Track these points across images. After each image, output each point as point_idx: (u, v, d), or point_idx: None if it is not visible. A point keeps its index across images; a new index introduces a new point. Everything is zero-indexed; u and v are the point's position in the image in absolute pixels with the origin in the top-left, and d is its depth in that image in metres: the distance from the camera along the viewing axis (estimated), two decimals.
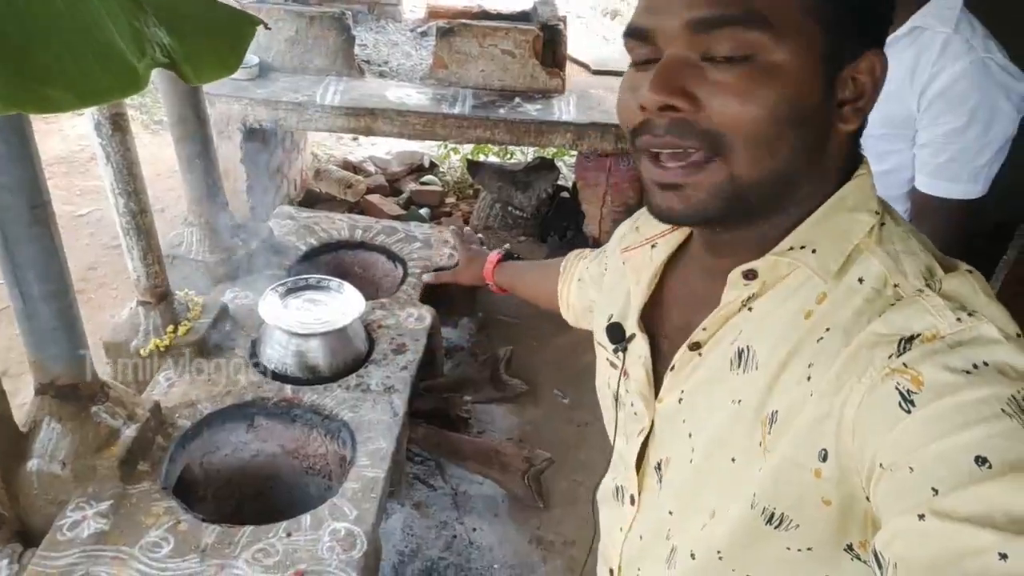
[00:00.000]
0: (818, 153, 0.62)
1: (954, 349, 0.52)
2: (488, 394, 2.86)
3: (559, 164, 3.96)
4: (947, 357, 0.52)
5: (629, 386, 0.79)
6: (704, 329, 0.69)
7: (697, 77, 0.58)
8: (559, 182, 3.71)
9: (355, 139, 4.75)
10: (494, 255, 1.38)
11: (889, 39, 1.66)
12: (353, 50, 3.34)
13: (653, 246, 0.81)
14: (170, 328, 2.29)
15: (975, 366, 0.51)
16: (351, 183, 3.92)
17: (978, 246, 3.14)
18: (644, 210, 0.89)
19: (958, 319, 0.54)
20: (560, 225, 3.54)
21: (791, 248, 0.63)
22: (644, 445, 0.78)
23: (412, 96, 3.25)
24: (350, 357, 2.37)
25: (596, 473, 0.94)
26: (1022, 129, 1.45)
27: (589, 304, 1.08)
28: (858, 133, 0.65)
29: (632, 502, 0.81)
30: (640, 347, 0.78)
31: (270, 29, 0.92)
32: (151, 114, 4.51)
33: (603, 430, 0.94)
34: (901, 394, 0.51)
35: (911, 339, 0.54)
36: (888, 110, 1.44)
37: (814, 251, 0.62)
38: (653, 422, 0.77)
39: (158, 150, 4.12)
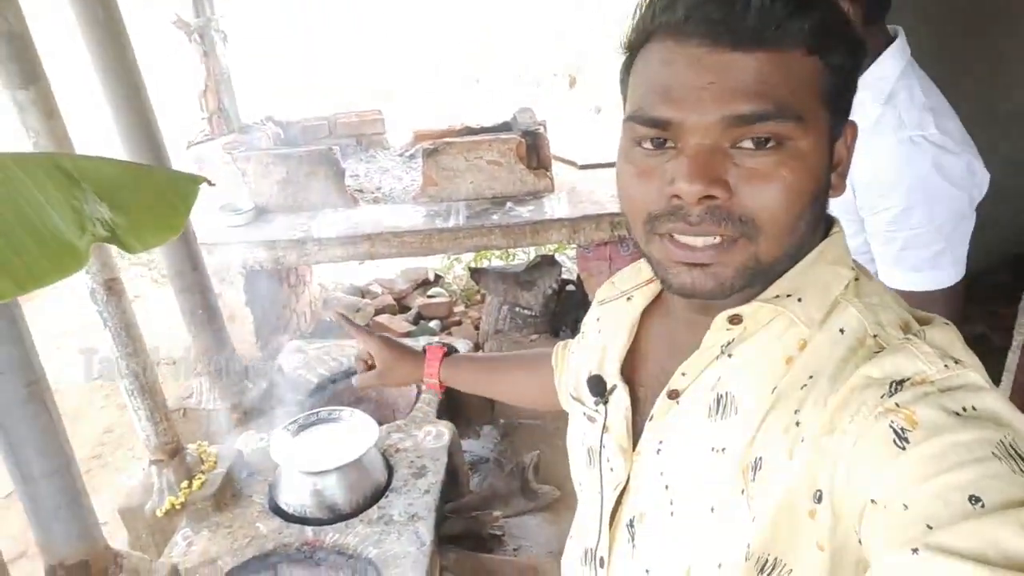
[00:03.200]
0: (819, 221, 0.65)
1: (944, 393, 0.53)
2: (519, 506, 2.74)
3: (561, 259, 3.97)
4: (939, 399, 0.53)
5: (608, 440, 0.77)
6: (683, 374, 0.69)
7: (728, 164, 0.58)
8: (563, 276, 3.70)
9: (361, 263, 4.82)
10: (436, 349, 1.18)
11: None
12: (344, 182, 3.43)
13: (629, 298, 0.81)
14: (184, 484, 2.25)
15: (964, 409, 0.52)
16: (359, 307, 3.94)
17: (1001, 281, 3.05)
18: (620, 271, 0.91)
19: (946, 365, 0.56)
20: (570, 318, 3.51)
21: (777, 296, 0.64)
22: (617, 502, 0.76)
23: (406, 216, 3.30)
24: (369, 489, 2.29)
25: None
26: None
27: None
28: None
29: (602, 564, 0.77)
30: (621, 398, 0.77)
31: (213, 185, 0.91)
32: (158, 269, 4.62)
33: None
34: (895, 432, 0.52)
35: (902, 382, 0.55)
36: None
37: (800, 300, 0.63)
38: (628, 476, 0.75)
39: (168, 304, 4.18)
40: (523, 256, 4.22)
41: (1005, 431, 0.50)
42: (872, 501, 0.52)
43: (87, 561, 1.74)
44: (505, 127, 3.65)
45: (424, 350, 1.19)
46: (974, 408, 0.52)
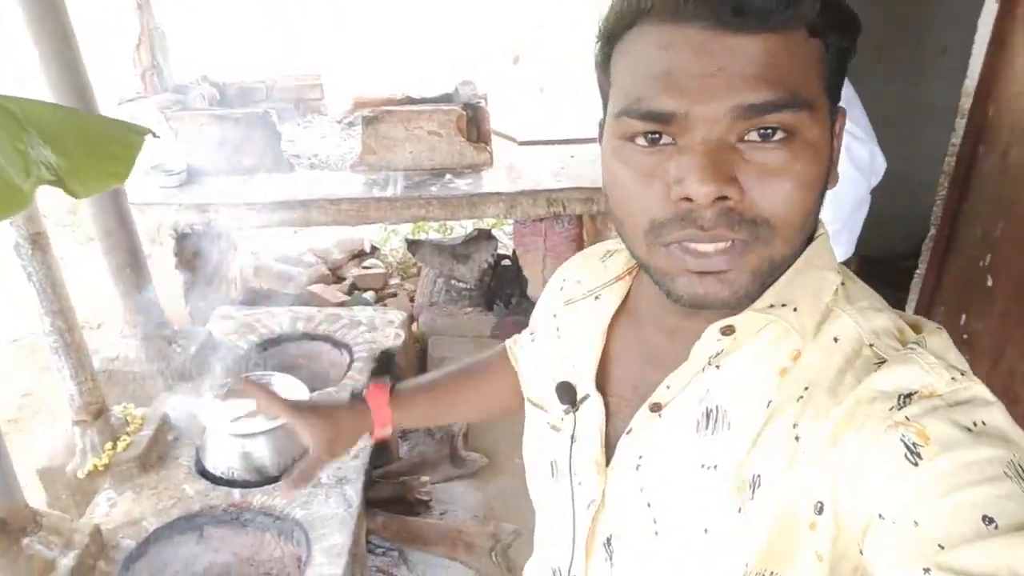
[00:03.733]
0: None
1: (954, 407, 0.52)
2: (447, 472, 2.81)
3: (497, 234, 4.02)
4: (949, 413, 0.52)
5: (578, 453, 0.72)
6: (668, 387, 0.65)
7: (736, 159, 0.54)
8: (499, 251, 3.76)
9: (295, 231, 4.76)
10: (377, 393, 0.97)
11: None
12: (280, 146, 3.39)
13: (597, 298, 0.76)
14: (108, 445, 2.22)
15: (975, 424, 0.51)
16: (291, 276, 3.91)
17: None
18: (575, 262, 0.85)
19: (953, 378, 0.54)
20: (504, 292, 3.57)
21: (771, 305, 0.61)
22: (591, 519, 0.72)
23: (344, 184, 3.29)
24: (298, 452, 2.31)
25: None
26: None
27: None
28: None
29: None
30: (594, 408, 0.71)
31: (158, 137, 0.93)
32: (83, 231, 4.46)
33: None
34: (907, 446, 0.51)
35: (910, 395, 0.53)
36: None
37: (795, 309, 0.60)
38: (603, 493, 0.70)
39: (94, 266, 4.06)
40: (460, 230, 4.25)
41: (1014, 450, 0.50)
42: (880, 516, 0.51)
43: (4, 519, 1.72)
44: (446, 99, 3.66)
45: (362, 398, 0.98)
46: (984, 423, 0.51)
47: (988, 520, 0.46)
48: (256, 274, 3.94)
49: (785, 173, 0.54)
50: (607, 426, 0.71)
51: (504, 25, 8.57)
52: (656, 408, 0.65)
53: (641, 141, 0.56)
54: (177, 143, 3.23)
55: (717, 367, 0.63)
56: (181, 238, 3.14)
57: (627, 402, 0.69)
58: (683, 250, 0.56)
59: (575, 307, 0.78)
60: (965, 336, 1.58)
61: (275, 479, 2.22)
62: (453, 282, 3.58)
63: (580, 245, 3.70)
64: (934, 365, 0.55)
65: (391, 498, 2.55)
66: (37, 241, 1.96)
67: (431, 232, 4.33)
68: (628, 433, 0.67)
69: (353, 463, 2.32)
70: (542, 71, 7.46)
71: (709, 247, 0.55)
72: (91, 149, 0.86)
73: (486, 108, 3.48)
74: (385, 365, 2.96)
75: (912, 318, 0.62)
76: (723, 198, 0.53)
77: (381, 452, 2.68)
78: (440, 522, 2.52)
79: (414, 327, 3.50)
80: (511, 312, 3.50)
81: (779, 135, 0.53)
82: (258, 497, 2.16)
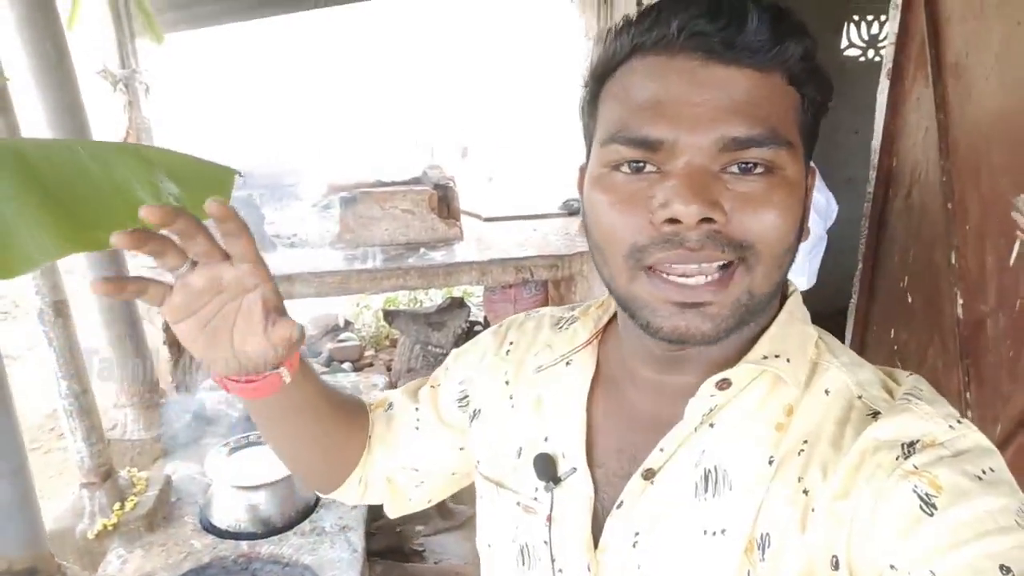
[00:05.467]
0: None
1: (959, 456, 0.52)
2: (437, 525, 2.93)
3: (468, 303, 4.26)
4: (957, 462, 0.52)
5: (559, 536, 0.66)
6: (662, 450, 0.62)
7: (720, 187, 0.54)
8: (471, 318, 3.98)
9: None
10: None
11: None
12: (264, 227, 3.60)
13: (568, 363, 0.72)
14: (117, 506, 2.30)
15: (984, 472, 0.51)
16: None
17: None
18: (527, 324, 0.80)
19: (950, 426, 0.55)
20: None
21: (765, 357, 0.60)
22: None
23: (325, 259, 3.51)
24: (300, 504, 2.43)
25: None
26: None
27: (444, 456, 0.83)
28: None
29: None
30: (581, 484, 0.66)
31: (243, 176, 1.16)
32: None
33: None
34: (920, 497, 0.50)
35: (912, 444, 0.54)
36: None
37: (788, 360, 0.60)
38: None
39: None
40: (430, 302, 4.48)
41: (1020, 498, 0.51)
42: (892, 567, 0.50)
43: (34, 567, 1.81)
44: (416, 181, 3.96)
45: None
46: (992, 470, 0.52)
47: (1006, 570, 0.46)
48: None
49: (767, 203, 0.54)
50: (594, 502, 0.66)
51: (452, 123, 9.13)
52: (649, 475, 0.62)
53: (625, 169, 0.56)
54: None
55: (711, 425, 0.61)
56: None
57: (613, 472, 0.65)
58: (662, 280, 0.55)
59: (547, 374, 0.73)
60: (895, 347, 1.86)
61: (281, 529, 2.33)
62: (430, 348, 3.78)
63: None
64: (931, 414, 0.55)
65: (387, 549, 2.66)
66: (60, 309, 2.12)
67: (402, 305, 4.54)
68: (619, 507, 0.63)
69: (353, 512, 2.44)
70: (488, 163, 7.95)
71: (692, 279, 0.55)
72: (200, 183, 1.09)
73: (455, 188, 3.79)
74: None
75: (886, 369, 0.63)
76: (709, 220, 0.53)
77: (374, 507, 2.79)
78: (439, 566, 2.63)
79: None
80: None
81: (760, 169, 0.54)
82: (265, 547, 2.27)
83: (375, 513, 2.84)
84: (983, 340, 1.48)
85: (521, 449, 0.72)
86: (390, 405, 0.86)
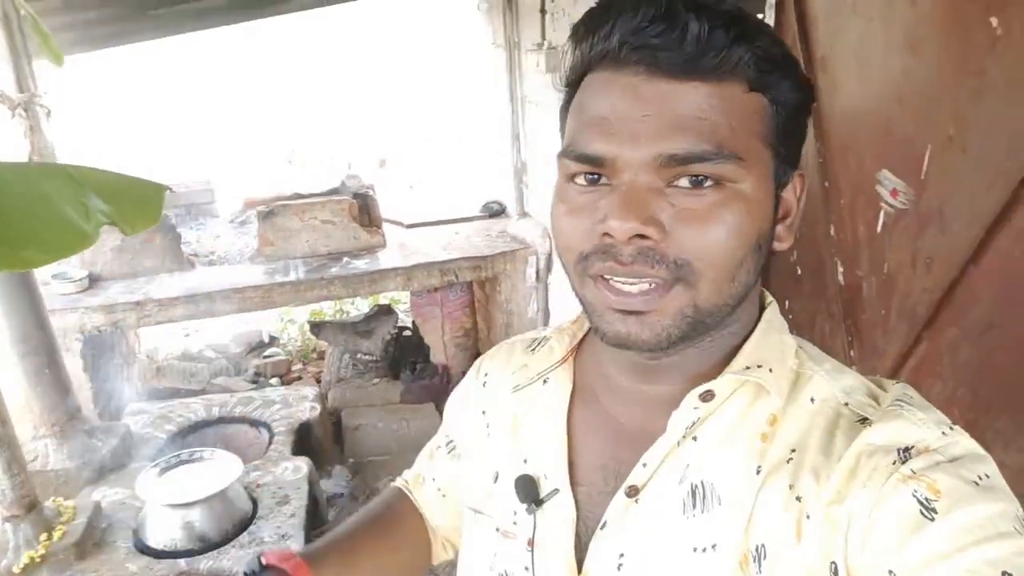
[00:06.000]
0: (760, 273, 0.61)
1: (954, 462, 0.52)
2: None
3: (395, 310, 4.30)
4: (953, 468, 0.52)
5: (542, 560, 0.65)
6: (644, 465, 0.61)
7: (662, 203, 0.54)
8: (399, 324, 4.03)
9: (187, 335, 4.82)
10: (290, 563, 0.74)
11: None
12: (180, 247, 3.55)
13: (544, 381, 0.72)
14: (44, 537, 2.25)
15: (980, 478, 0.51)
16: (193, 372, 3.98)
17: None
18: (498, 355, 0.81)
19: (943, 432, 0.54)
20: (409, 360, 3.83)
21: (747, 367, 0.60)
22: None
23: (246, 274, 3.49)
24: (237, 518, 2.43)
25: None
26: None
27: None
28: None
29: None
30: (564, 504, 0.65)
31: (174, 192, 1.20)
32: None
33: None
34: (920, 501, 0.50)
35: (907, 449, 0.53)
36: None
37: (771, 370, 0.60)
38: None
39: None
40: (356, 311, 4.49)
41: (1015, 504, 0.51)
42: (891, 572, 0.50)
43: None
44: (335, 192, 3.98)
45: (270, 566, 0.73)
46: (988, 476, 0.52)
47: None
48: (158, 374, 3.98)
49: (709, 219, 0.53)
50: (576, 523, 0.64)
51: (370, 135, 9.13)
52: (633, 492, 0.61)
53: (581, 181, 0.57)
54: None
55: (694, 438, 0.60)
56: (88, 341, 3.21)
57: (597, 490, 0.64)
58: (606, 286, 0.56)
59: (523, 394, 0.73)
60: (791, 316, 2.03)
61: (219, 544, 2.32)
62: (359, 356, 3.80)
63: (473, 309, 4.05)
64: (924, 420, 0.55)
65: None
66: None
67: (328, 316, 4.53)
68: (603, 528, 0.61)
69: (291, 521, 2.46)
70: (409, 171, 7.99)
71: (631, 287, 0.55)
72: (129, 199, 1.12)
73: (375, 196, 3.83)
74: (303, 437, 3.12)
75: (871, 376, 0.63)
76: (642, 236, 0.53)
77: (312, 516, 2.81)
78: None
79: (326, 403, 3.66)
80: (416, 377, 3.75)
81: (708, 183, 0.54)
82: (204, 563, 2.26)
83: (315, 520, 2.86)
84: (860, 302, 1.64)
85: (498, 474, 0.71)
86: (421, 479, 0.88)
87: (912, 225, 1.42)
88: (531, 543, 0.65)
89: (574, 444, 0.67)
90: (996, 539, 0.48)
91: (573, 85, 0.60)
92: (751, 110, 0.55)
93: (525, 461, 0.69)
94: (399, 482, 0.91)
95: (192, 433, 3.10)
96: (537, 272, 3.69)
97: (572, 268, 0.59)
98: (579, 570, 0.62)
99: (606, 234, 0.54)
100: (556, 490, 0.65)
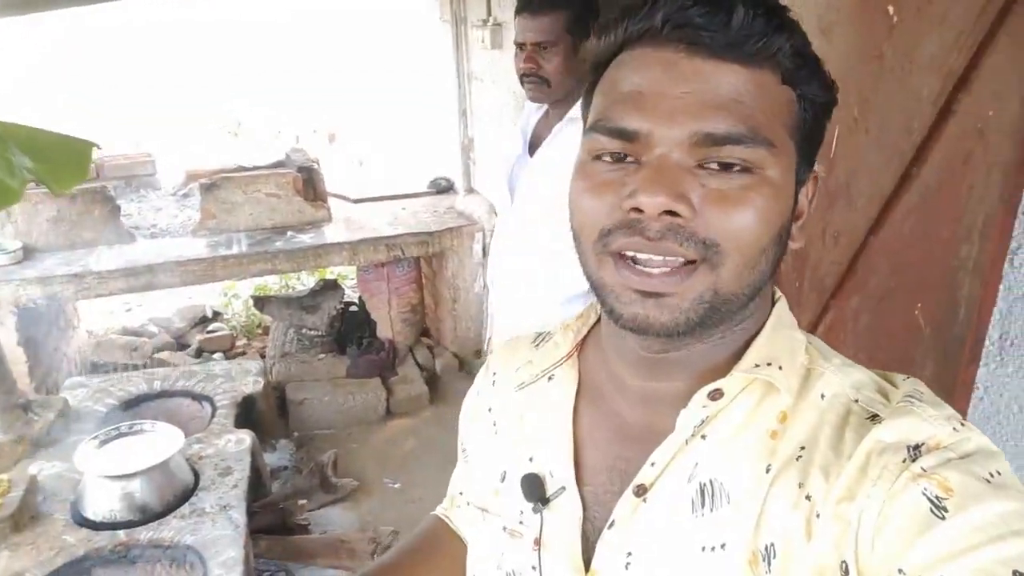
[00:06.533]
0: (778, 267, 0.60)
1: (966, 459, 0.52)
2: (321, 499, 3.00)
3: (341, 285, 4.30)
4: (965, 464, 0.51)
5: (549, 560, 0.64)
6: (653, 464, 0.60)
7: (693, 182, 0.53)
8: (345, 299, 4.04)
9: (128, 310, 4.73)
10: None
11: (555, 129, 2.10)
12: (120, 219, 3.49)
13: (550, 378, 0.71)
14: None
15: (992, 475, 0.51)
16: (136, 346, 3.93)
17: None
18: (502, 353, 0.80)
19: (954, 428, 0.54)
20: (355, 336, 3.84)
21: (756, 365, 0.59)
22: None
23: (188, 247, 3.45)
24: (179, 489, 2.44)
25: None
26: None
27: None
28: None
29: None
30: (570, 503, 0.64)
31: (101, 148, 1.21)
32: None
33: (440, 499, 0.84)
34: (931, 500, 0.50)
35: (918, 446, 0.53)
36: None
37: (780, 368, 0.59)
38: None
39: None
40: (303, 286, 4.48)
41: None
42: (900, 571, 0.49)
43: None
44: (279, 165, 3.94)
45: None
46: (999, 473, 0.51)
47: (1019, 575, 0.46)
48: (98, 348, 3.92)
49: (740, 201, 0.53)
50: (585, 522, 0.64)
51: (319, 110, 9.00)
52: (641, 491, 0.60)
53: (607, 158, 0.57)
54: (9, 222, 3.25)
55: (703, 437, 0.59)
56: (23, 314, 3.15)
57: (604, 490, 0.64)
58: (626, 266, 0.55)
59: (528, 391, 0.72)
60: None
61: (160, 515, 2.33)
62: (304, 331, 3.81)
63: (420, 285, 4.08)
64: (934, 417, 0.54)
65: (271, 526, 2.71)
66: None
67: (273, 291, 4.51)
68: (611, 527, 0.61)
69: (233, 491, 2.48)
70: (358, 147, 7.92)
71: (654, 268, 0.54)
72: (56, 156, 1.12)
73: (320, 170, 3.81)
74: (247, 411, 3.13)
75: (882, 372, 0.62)
76: (672, 213, 0.53)
77: (256, 490, 2.83)
78: (321, 536, 2.71)
79: (270, 377, 3.66)
80: (363, 352, 3.78)
81: (738, 167, 0.53)
82: (144, 533, 2.27)
83: (258, 492, 2.88)
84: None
85: (505, 473, 0.70)
86: (453, 500, 0.87)
87: (823, 202, 1.51)
88: (537, 543, 0.64)
89: (580, 442, 0.67)
90: (1008, 537, 0.47)
91: (598, 69, 0.60)
92: (783, 101, 0.55)
93: (531, 459, 0.68)
94: (437, 510, 0.90)
95: (133, 407, 3.08)
96: (484, 248, 3.74)
97: (590, 248, 0.58)
98: (586, 570, 0.62)
99: (635, 208, 0.54)
100: (562, 488, 0.65)
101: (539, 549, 0.64)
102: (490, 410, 0.76)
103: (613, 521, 0.60)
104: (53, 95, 7.75)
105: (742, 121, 0.53)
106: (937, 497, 0.50)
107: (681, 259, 0.54)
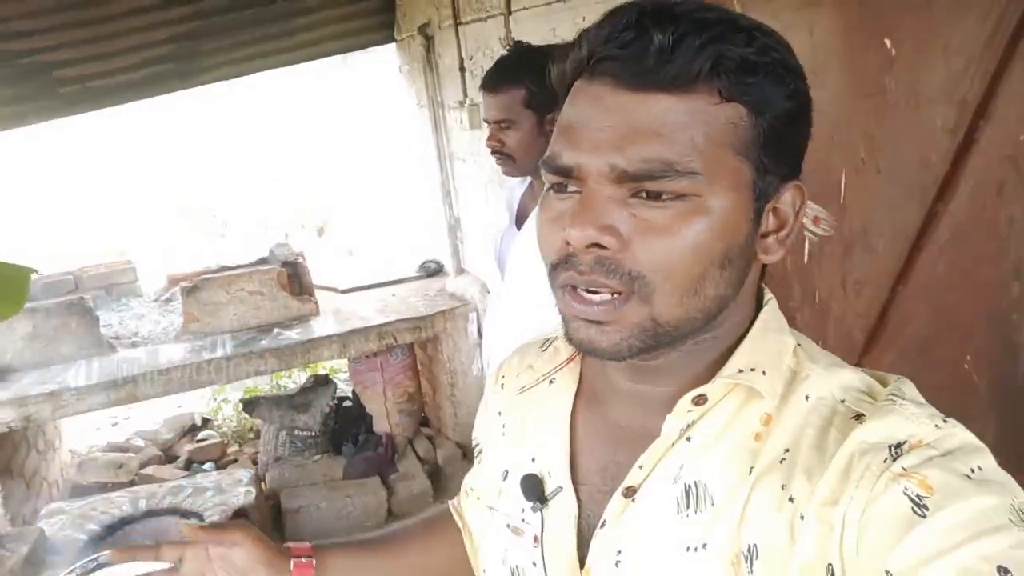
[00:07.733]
0: (741, 284, 0.60)
1: (947, 455, 0.51)
2: None
3: (333, 379, 4.14)
4: (946, 462, 0.51)
5: (547, 557, 0.66)
6: (640, 467, 0.61)
7: (623, 213, 0.54)
8: (338, 394, 3.87)
9: (115, 423, 4.54)
10: (302, 563, 0.82)
11: (541, 200, 2.06)
12: (100, 330, 3.36)
13: (551, 382, 0.73)
14: None
15: (973, 471, 0.50)
16: (121, 463, 3.73)
17: None
18: (513, 358, 0.82)
19: (936, 425, 0.53)
20: (350, 432, 3.66)
21: (740, 371, 0.60)
22: None
23: (170, 354, 3.31)
24: None
25: None
26: None
27: None
28: None
29: None
30: (566, 503, 0.66)
31: (39, 274, 1.08)
32: None
33: None
34: (911, 499, 0.50)
35: (900, 445, 0.52)
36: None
37: (764, 373, 0.60)
38: None
39: None
40: (295, 384, 4.31)
41: (1011, 494, 0.50)
42: (886, 572, 0.49)
43: None
44: (263, 262, 3.85)
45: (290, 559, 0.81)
46: (980, 468, 0.51)
47: (1004, 571, 0.45)
48: (81, 469, 3.71)
49: (667, 232, 0.53)
50: (580, 521, 0.66)
51: (307, 203, 9.04)
52: (630, 493, 0.62)
53: (558, 190, 0.58)
54: None
55: (688, 439, 0.60)
56: None
57: (597, 489, 0.65)
58: (572, 294, 0.57)
59: (530, 395, 0.74)
60: None
61: None
62: (296, 432, 3.62)
63: (416, 372, 3.93)
64: (917, 415, 0.54)
65: None
66: None
67: (264, 392, 4.33)
68: (602, 526, 0.62)
69: None
70: (348, 237, 7.91)
71: (591, 296, 0.55)
72: None
73: (305, 263, 3.72)
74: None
75: (874, 372, 0.62)
76: (599, 246, 0.53)
77: None
78: None
79: (263, 485, 3.46)
80: (359, 450, 3.59)
81: (666, 197, 0.53)
82: None
83: None
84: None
85: (507, 471, 0.73)
86: (465, 493, 0.89)
87: (837, 250, 1.40)
88: (537, 540, 0.66)
89: (577, 444, 0.68)
90: (991, 533, 0.47)
91: (563, 98, 0.60)
92: (722, 121, 0.53)
93: (532, 460, 0.70)
94: (452, 502, 0.91)
95: (117, 531, 2.87)
96: (479, 328, 3.61)
97: (550, 279, 0.59)
98: (582, 566, 0.64)
99: (566, 242, 0.55)
100: (559, 488, 0.66)
101: (540, 546, 0.66)
102: (500, 413, 0.78)
103: (604, 521, 0.62)
104: (27, 206, 7.74)
105: (658, 154, 0.52)
106: (918, 496, 0.49)
107: (606, 291, 0.54)
